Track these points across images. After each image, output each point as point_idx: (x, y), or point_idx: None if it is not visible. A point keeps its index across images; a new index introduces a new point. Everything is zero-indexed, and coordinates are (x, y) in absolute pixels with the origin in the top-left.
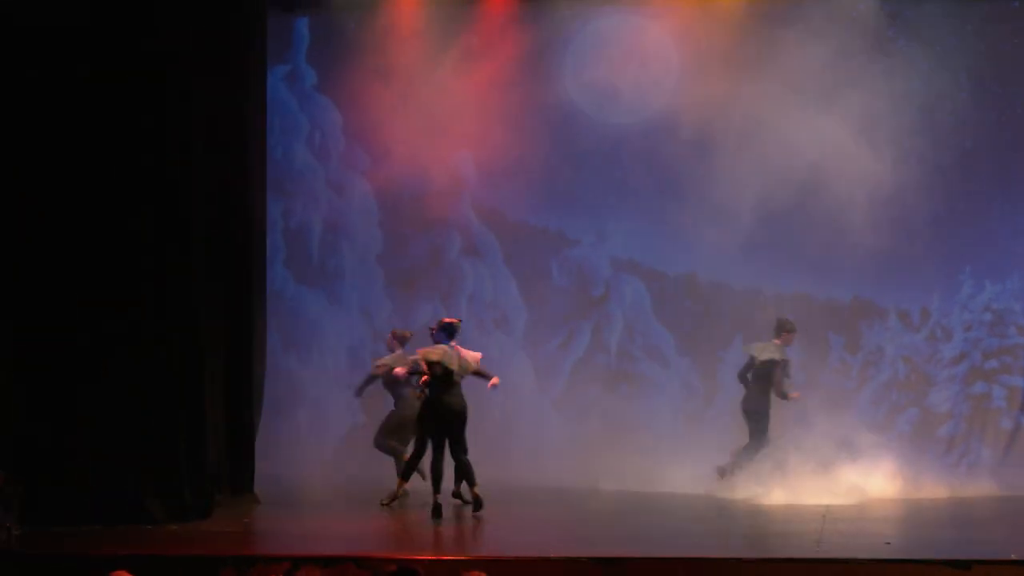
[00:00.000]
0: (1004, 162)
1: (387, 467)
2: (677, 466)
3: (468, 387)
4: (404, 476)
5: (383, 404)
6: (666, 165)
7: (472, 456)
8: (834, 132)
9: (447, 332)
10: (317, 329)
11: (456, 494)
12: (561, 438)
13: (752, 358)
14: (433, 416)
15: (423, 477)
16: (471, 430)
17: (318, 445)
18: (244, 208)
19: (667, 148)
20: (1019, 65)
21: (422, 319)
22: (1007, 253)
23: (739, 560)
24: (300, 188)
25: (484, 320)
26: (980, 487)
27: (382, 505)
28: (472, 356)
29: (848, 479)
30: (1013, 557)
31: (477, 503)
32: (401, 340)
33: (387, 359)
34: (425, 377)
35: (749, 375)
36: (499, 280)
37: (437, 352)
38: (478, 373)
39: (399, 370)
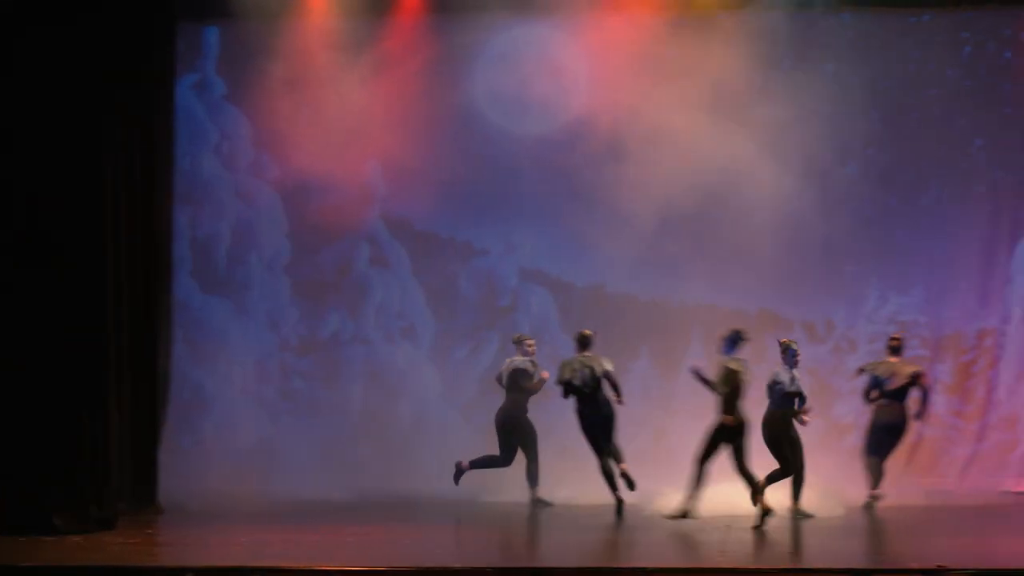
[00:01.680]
0: (910, 176)
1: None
2: (585, 476)
3: (378, 394)
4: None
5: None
6: (575, 176)
7: (378, 467)
8: (742, 144)
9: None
10: (224, 339)
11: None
12: (469, 448)
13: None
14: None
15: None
16: (376, 440)
17: (224, 456)
18: (151, 217)
19: (576, 159)
20: (923, 79)
21: (329, 330)
22: (912, 266)
23: (643, 570)
24: (208, 197)
25: (392, 330)
26: (883, 497)
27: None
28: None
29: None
30: (914, 566)
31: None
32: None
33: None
34: None
35: None
36: (407, 290)
37: None
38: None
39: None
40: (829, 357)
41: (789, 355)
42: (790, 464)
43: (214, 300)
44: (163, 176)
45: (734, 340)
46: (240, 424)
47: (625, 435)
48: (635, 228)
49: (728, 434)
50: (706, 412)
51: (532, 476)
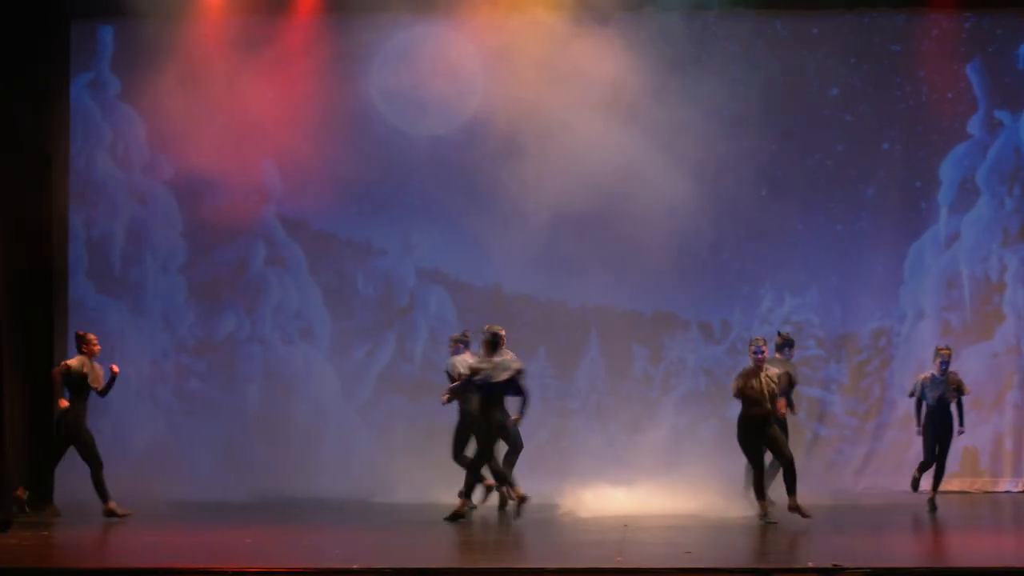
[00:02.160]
0: (805, 179)
1: (188, 478)
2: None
3: (275, 394)
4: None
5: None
6: (472, 175)
7: (276, 468)
8: (638, 145)
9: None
10: (119, 340)
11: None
12: (367, 447)
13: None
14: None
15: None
16: (273, 441)
17: (120, 456)
18: (44, 218)
19: (473, 158)
20: (818, 82)
21: (226, 330)
22: (806, 267)
23: (539, 570)
24: (102, 198)
25: (289, 330)
26: (779, 496)
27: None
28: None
29: (651, 490)
30: (810, 565)
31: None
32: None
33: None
34: None
35: None
36: (304, 290)
37: None
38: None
39: None
40: (725, 358)
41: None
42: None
43: (109, 300)
44: (57, 176)
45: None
46: (136, 425)
47: (522, 436)
48: (532, 228)
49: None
50: (601, 413)
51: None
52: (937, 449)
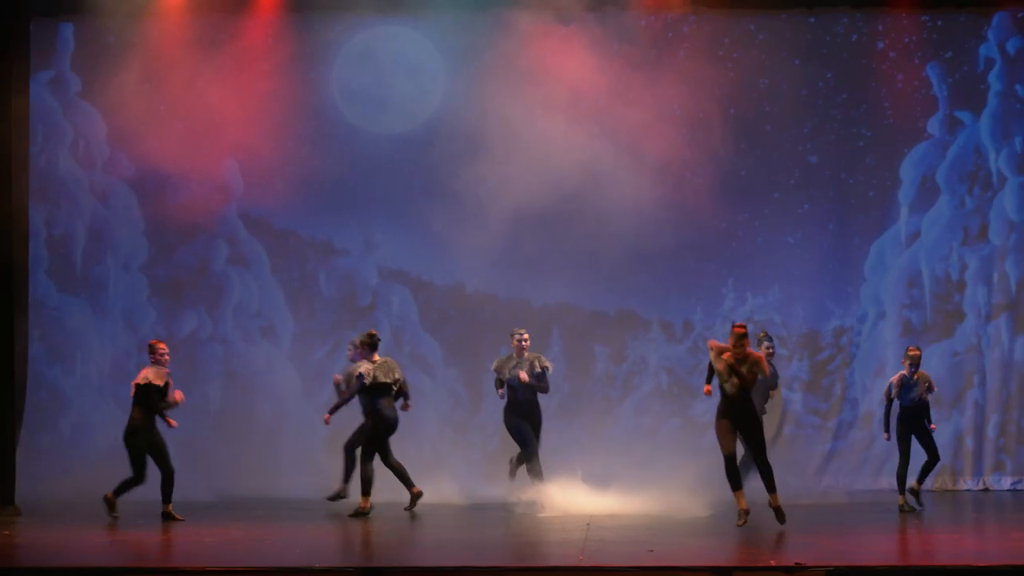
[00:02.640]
0: (766, 178)
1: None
2: (442, 475)
3: (237, 394)
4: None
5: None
6: (434, 175)
7: (237, 467)
8: (602, 145)
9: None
10: (80, 339)
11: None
12: (328, 446)
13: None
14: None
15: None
16: (234, 440)
17: (81, 456)
18: (4, 216)
19: (435, 158)
20: (779, 83)
21: (187, 329)
22: (768, 267)
23: (501, 569)
24: (63, 196)
25: (250, 330)
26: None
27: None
28: None
29: (615, 489)
30: (772, 563)
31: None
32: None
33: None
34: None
35: None
36: (266, 289)
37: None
38: None
39: None
40: (687, 356)
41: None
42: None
43: (70, 299)
44: (18, 174)
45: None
46: (99, 424)
47: (484, 434)
48: (495, 227)
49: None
50: (563, 411)
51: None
52: (924, 445)
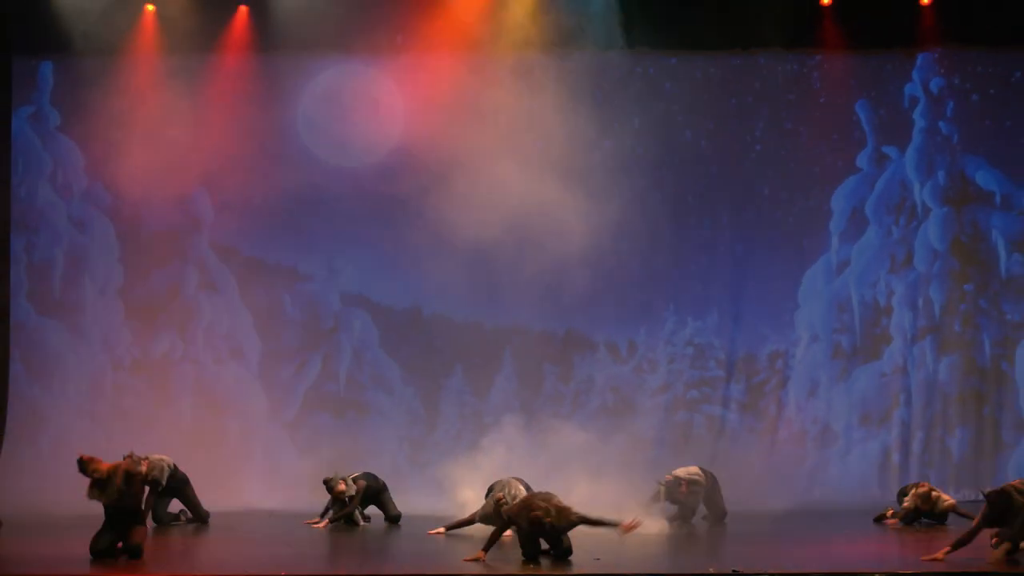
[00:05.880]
0: (707, 209)
1: None
2: (400, 488)
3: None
4: None
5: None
6: (393, 205)
7: (206, 482)
8: (552, 177)
9: None
10: (59, 359)
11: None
12: (294, 461)
13: None
14: None
15: None
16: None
17: (60, 471)
18: None
19: (394, 190)
20: (719, 119)
21: (160, 350)
22: (707, 293)
23: None
24: (43, 224)
25: (220, 351)
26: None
27: None
28: None
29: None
30: (711, 570)
31: None
32: None
33: None
34: None
35: None
36: (235, 313)
37: None
38: None
39: None
40: (632, 375)
41: None
42: None
43: (50, 322)
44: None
45: None
46: (76, 440)
47: (440, 450)
48: (450, 254)
49: None
50: (515, 428)
51: None
52: None
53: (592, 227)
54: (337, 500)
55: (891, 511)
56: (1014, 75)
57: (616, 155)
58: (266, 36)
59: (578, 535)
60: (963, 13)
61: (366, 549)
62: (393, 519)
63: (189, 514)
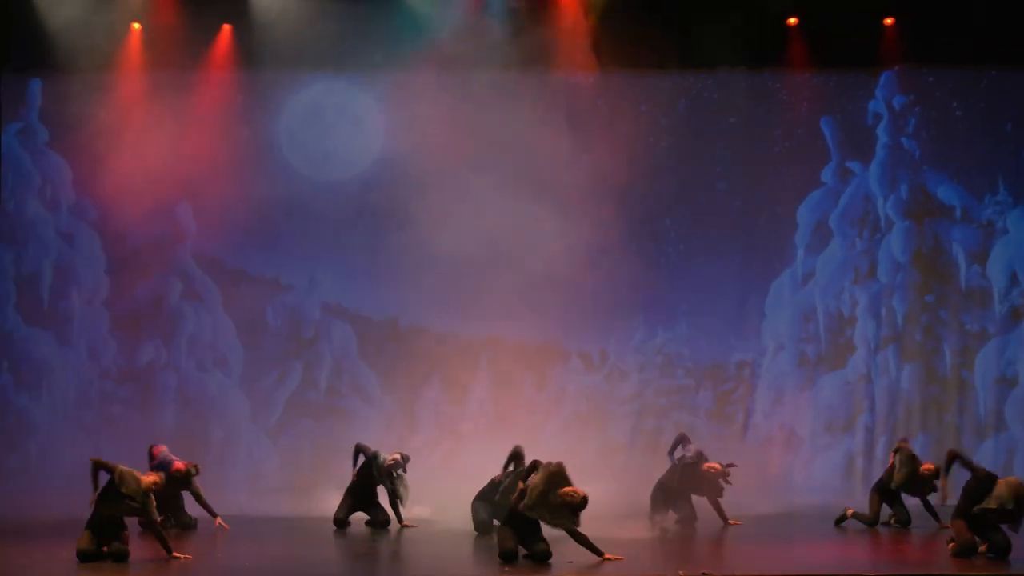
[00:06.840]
0: (677, 223)
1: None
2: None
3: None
4: None
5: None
6: (373, 218)
7: None
8: (528, 193)
9: None
10: (46, 368)
11: None
12: (276, 468)
13: None
14: None
15: None
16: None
17: (48, 477)
18: None
19: (374, 204)
20: (688, 136)
21: (145, 359)
22: (677, 304)
23: None
24: (31, 237)
25: (204, 360)
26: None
27: None
28: None
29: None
30: (681, 574)
31: None
32: None
33: None
34: None
35: None
36: (218, 323)
37: None
38: None
39: None
40: (603, 384)
41: None
42: None
43: (37, 332)
44: None
45: None
46: (63, 447)
47: (418, 456)
48: (427, 267)
49: None
50: (490, 436)
51: None
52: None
53: (566, 243)
54: (385, 476)
55: (850, 511)
56: (973, 93)
57: (589, 173)
58: (249, 54)
59: (551, 537)
60: (924, 33)
61: (370, 553)
62: (380, 524)
63: (173, 520)
